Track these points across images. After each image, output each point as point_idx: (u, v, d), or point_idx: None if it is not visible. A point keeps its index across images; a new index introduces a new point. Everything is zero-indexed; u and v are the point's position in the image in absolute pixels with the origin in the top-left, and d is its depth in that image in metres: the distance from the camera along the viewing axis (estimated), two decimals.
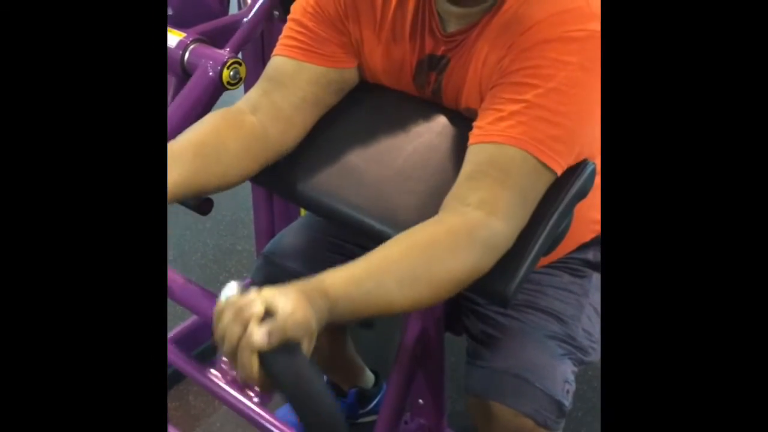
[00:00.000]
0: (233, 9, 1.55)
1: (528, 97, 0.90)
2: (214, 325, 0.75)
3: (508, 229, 0.89)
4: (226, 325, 0.73)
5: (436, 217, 0.90)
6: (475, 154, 0.92)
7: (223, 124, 1.01)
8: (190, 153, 0.96)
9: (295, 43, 1.04)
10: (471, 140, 0.93)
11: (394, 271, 0.84)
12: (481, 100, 0.96)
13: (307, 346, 0.75)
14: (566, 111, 0.90)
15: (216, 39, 1.38)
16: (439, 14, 0.98)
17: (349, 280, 0.82)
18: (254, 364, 0.72)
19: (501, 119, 0.90)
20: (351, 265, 0.84)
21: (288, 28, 1.05)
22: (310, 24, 1.03)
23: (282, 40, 1.05)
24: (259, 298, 0.73)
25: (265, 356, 0.72)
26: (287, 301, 0.74)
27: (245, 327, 0.72)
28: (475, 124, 0.94)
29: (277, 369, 0.72)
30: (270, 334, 0.71)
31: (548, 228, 0.93)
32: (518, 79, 0.91)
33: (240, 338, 0.72)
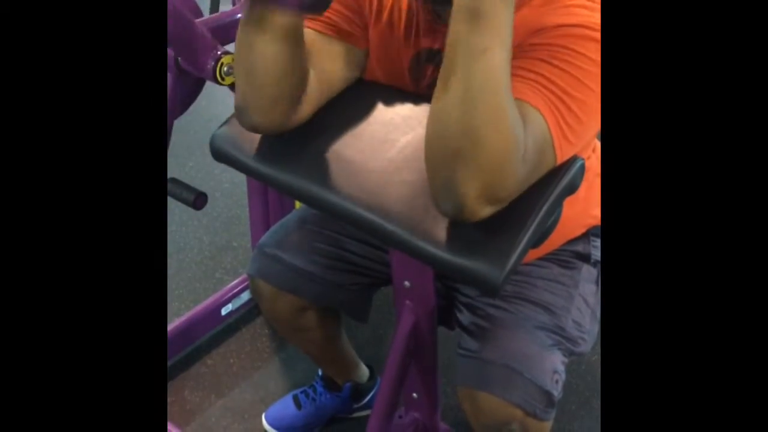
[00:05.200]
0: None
1: (543, 72, 0.87)
2: None
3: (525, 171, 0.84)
4: None
5: None
6: None
7: None
8: None
9: (319, 18, 1.03)
10: None
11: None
12: None
13: None
14: (578, 98, 0.87)
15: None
16: (434, 8, 0.98)
17: None
18: None
19: (514, 78, 0.84)
20: None
21: None
22: (333, 4, 1.02)
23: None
24: None
25: None
26: None
27: None
28: None
29: None
30: None
31: (537, 220, 0.93)
32: (534, 55, 0.88)
33: None
